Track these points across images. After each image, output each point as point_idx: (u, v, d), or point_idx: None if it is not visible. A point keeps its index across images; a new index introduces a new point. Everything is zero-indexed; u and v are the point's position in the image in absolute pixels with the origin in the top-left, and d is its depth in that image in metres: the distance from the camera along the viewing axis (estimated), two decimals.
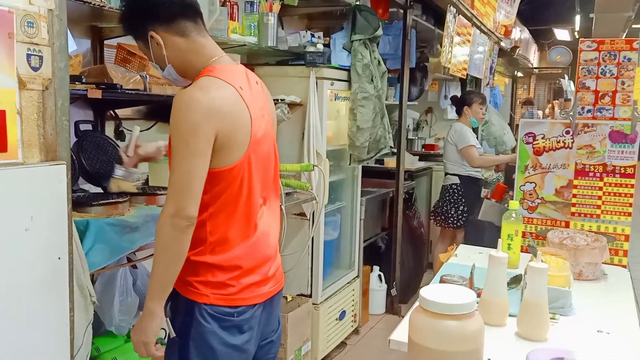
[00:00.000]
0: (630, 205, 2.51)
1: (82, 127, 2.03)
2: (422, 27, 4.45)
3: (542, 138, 2.61)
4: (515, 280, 1.88)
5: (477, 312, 1.19)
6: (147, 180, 2.41)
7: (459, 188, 4.30)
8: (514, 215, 2.15)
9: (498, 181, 4.64)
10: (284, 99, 2.97)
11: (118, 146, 2.30)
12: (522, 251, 2.23)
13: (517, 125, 5.44)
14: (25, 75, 1.38)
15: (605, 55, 2.65)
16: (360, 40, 3.27)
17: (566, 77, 4.93)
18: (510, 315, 1.68)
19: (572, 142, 2.57)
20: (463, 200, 4.28)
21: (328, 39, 3.42)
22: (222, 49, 1.64)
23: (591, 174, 2.56)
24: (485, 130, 5.58)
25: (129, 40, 2.43)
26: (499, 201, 3.92)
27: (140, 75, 2.20)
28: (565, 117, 2.59)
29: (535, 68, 10.29)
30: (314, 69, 3.06)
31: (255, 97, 1.60)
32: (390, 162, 4.57)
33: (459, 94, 5.20)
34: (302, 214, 3.18)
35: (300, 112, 3.10)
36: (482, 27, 4.78)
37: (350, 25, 3.32)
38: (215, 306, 1.52)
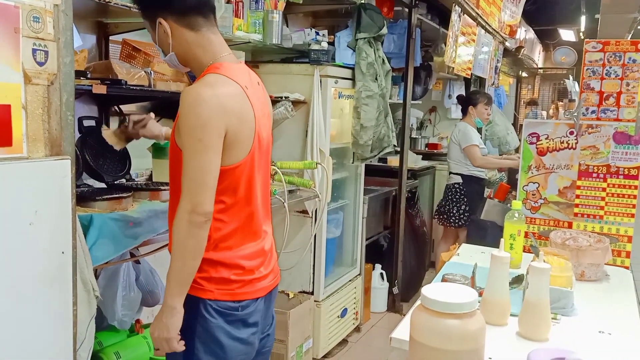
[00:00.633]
0: (634, 206, 2.50)
1: (86, 122, 2.04)
2: (427, 26, 4.45)
3: (546, 138, 2.61)
4: (517, 280, 1.88)
5: (479, 312, 1.19)
6: (150, 176, 2.42)
7: (462, 187, 4.30)
8: (516, 215, 2.15)
9: (501, 181, 4.64)
10: (288, 97, 2.98)
11: None
12: (524, 251, 2.23)
13: (521, 125, 5.43)
14: (31, 70, 1.38)
15: (610, 56, 2.64)
16: (364, 38, 3.27)
17: (570, 77, 4.92)
18: (511, 315, 1.68)
19: (576, 143, 2.57)
20: (465, 199, 4.28)
21: (333, 37, 3.42)
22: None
23: (595, 175, 2.56)
24: (489, 130, 5.57)
25: (134, 36, 2.46)
26: (502, 201, 3.93)
27: (145, 72, 2.21)
28: (569, 118, 2.59)
29: (540, 68, 10.26)
30: (318, 67, 3.07)
31: (258, 97, 1.60)
32: (394, 161, 4.57)
33: (463, 94, 5.19)
34: (305, 212, 3.19)
35: (304, 110, 3.11)
36: (487, 26, 4.77)
37: (355, 23, 3.32)
38: (220, 301, 1.53)
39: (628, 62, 2.61)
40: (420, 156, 5.34)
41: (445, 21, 4.22)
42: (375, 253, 4.16)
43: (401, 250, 4.15)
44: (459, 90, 6.03)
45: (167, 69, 2.38)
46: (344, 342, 3.65)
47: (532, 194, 2.64)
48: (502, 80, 6.82)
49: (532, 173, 2.64)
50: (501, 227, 2.23)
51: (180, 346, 1.51)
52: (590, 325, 1.71)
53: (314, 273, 3.27)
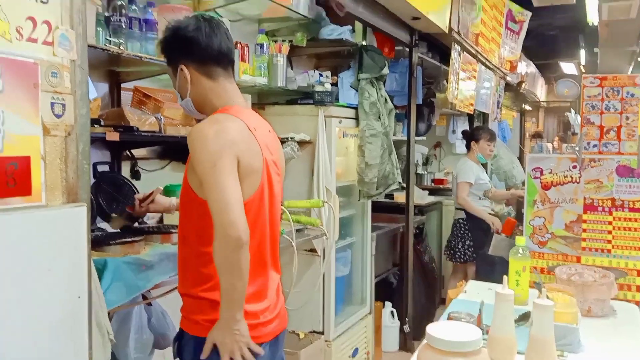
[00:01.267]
0: None
1: (100, 167, 2.10)
2: (428, 63, 4.53)
3: (550, 173, 2.64)
4: (524, 317, 1.88)
5: (484, 349, 1.21)
6: (161, 219, 2.46)
7: (465, 222, 4.32)
8: (521, 251, 2.14)
9: (508, 215, 4.65)
10: (294, 137, 3.04)
11: (134, 186, 2.36)
12: (530, 287, 2.23)
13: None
14: (49, 122, 1.44)
15: (609, 91, 2.68)
16: (367, 79, 3.36)
17: (572, 111, 4.96)
18: (518, 353, 1.68)
19: (580, 177, 2.59)
20: (469, 234, 4.29)
21: (336, 77, 3.50)
22: None
23: (600, 209, 2.57)
24: (495, 164, 5.61)
25: (144, 83, 2.54)
26: (509, 236, 3.93)
27: (155, 117, 2.28)
28: (571, 152, 2.62)
29: (543, 102, 10.34)
30: (322, 108, 3.14)
31: (267, 143, 1.65)
32: (400, 197, 4.58)
33: (467, 129, 5.26)
34: (313, 250, 3.20)
35: (309, 150, 3.16)
36: (488, 63, 4.86)
37: (357, 64, 3.41)
38: None
39: (626, 97, 2.64)
40: (427, 192, 5.35)
41: (446, 58, 4.31)
42: (385, 291, 4.13)
43: (411, 288, 4.11)
44: (463, 125, 6.09)
45: (177, 114, 2.45)
46: None
47: (539, 229, 2.65)
48: (505, 114, 6.89)
49: (537, 207, 2.66)
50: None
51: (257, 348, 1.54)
52: None
53: (323, 312, 3.25)
